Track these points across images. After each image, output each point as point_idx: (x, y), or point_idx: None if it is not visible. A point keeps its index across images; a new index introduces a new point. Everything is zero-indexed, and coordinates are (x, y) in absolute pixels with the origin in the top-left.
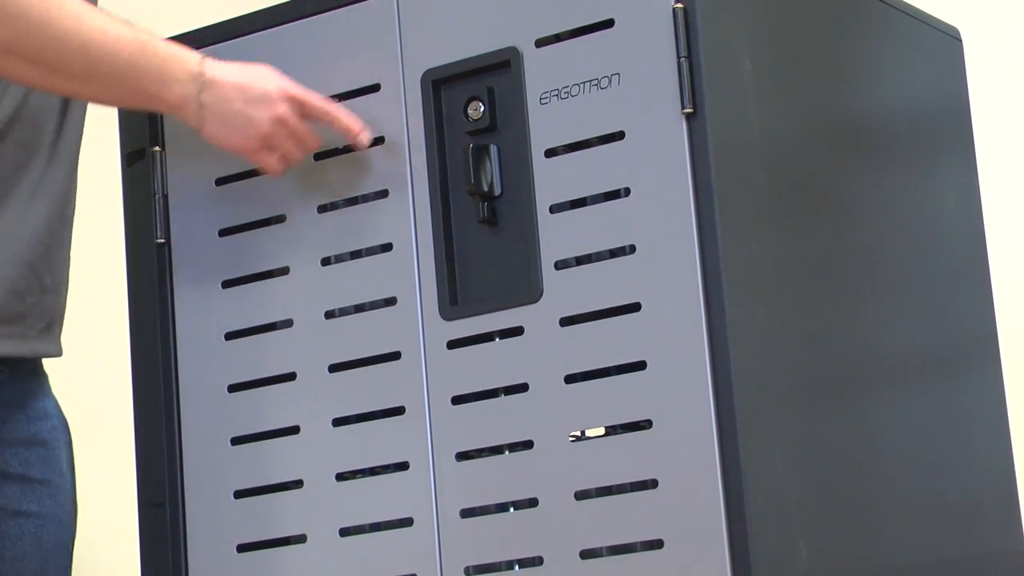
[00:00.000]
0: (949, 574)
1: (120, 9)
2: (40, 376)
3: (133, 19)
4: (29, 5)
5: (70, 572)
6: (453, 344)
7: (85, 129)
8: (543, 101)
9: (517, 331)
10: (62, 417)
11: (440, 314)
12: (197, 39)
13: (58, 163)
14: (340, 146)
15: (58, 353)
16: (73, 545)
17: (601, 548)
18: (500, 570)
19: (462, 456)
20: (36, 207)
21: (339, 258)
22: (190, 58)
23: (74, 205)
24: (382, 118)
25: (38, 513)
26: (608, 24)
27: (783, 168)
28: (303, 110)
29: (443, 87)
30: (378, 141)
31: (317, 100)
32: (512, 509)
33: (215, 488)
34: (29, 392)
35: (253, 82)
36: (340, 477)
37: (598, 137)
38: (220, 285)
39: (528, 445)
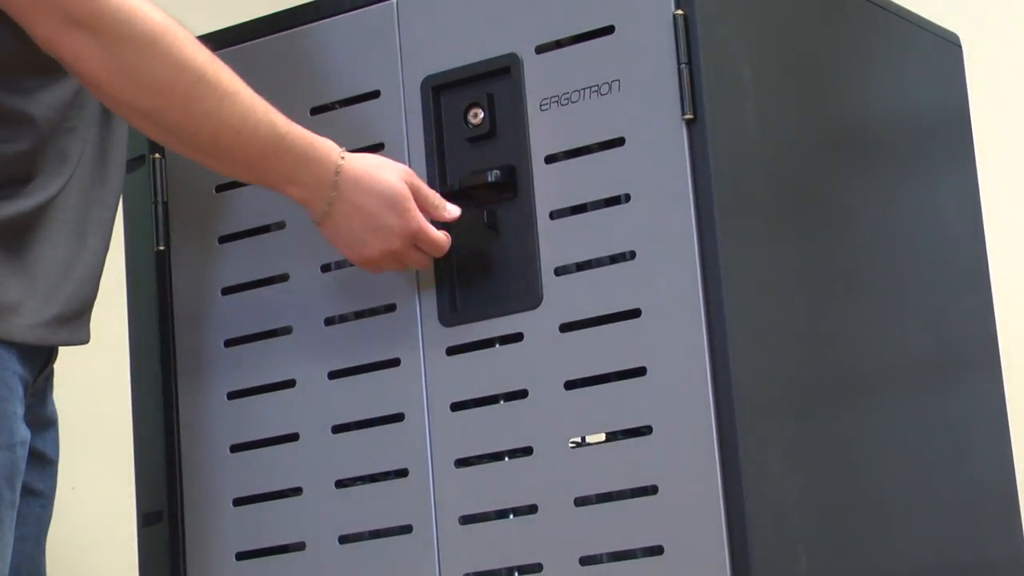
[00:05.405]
0: None
1: None
2: None
3: None
4: (177, 80)
5: None
6: (453, 350)
7: None
8: (543, 107)
9: (517, 337)
10: None
11: (440, 320)
12: None
13: (119, 142)
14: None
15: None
16: None
17: (601, 555)
18: None
19: (461, 463)
20: (116, 186)
21: (339, 264)
22: (325, 162)
23: None
24: (382, 124)
25: (43, 492)
26: (608, 31)
27: (783, 174)
28: (416, 241)
29: (443, 93)
30: (378, 147)
31: (431, 233)
32: (512, 516)
33: (214, 496)
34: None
35: (379, 212)
36: (339, 484)
37: (598, 143)
38: (220, 292)
39: (528, 451)
